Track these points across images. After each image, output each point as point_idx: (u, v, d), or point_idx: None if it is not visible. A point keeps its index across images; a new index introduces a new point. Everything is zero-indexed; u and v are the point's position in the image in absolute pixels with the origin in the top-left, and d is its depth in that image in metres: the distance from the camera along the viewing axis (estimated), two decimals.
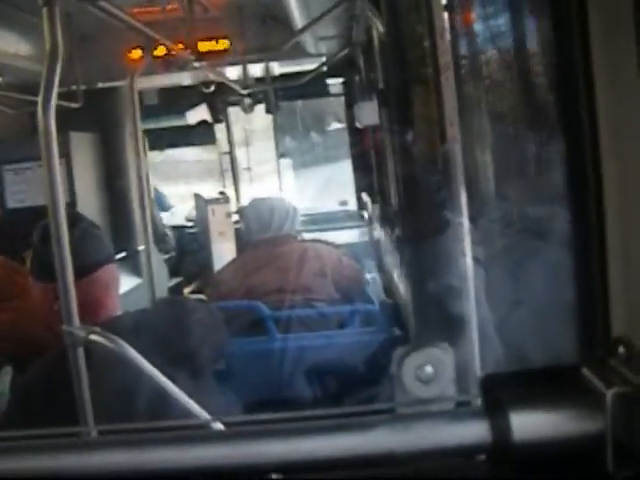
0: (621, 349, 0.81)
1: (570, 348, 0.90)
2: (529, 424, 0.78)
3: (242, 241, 5.38)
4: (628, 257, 0.79)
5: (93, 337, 1.91)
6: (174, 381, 1.95)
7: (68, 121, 5.22)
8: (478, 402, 0.81)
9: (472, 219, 1.60)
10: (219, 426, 1.13)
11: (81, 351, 1.92)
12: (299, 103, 10.96)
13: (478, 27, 1.96)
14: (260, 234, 4.35)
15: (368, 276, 4.76)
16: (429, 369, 0.79)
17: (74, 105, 5.12)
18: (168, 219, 8.25)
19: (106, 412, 1.95)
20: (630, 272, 0.79)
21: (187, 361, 2.24)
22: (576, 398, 0.80)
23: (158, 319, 2.36)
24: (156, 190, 7.98)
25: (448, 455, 0.79)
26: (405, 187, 2.99)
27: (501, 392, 0.80)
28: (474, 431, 0.78)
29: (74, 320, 1.91)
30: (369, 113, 4.38)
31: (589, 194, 0.83)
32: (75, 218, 2.29)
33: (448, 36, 1.78)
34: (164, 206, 8.38)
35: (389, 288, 4.50)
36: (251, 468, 0.80)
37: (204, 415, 1.92)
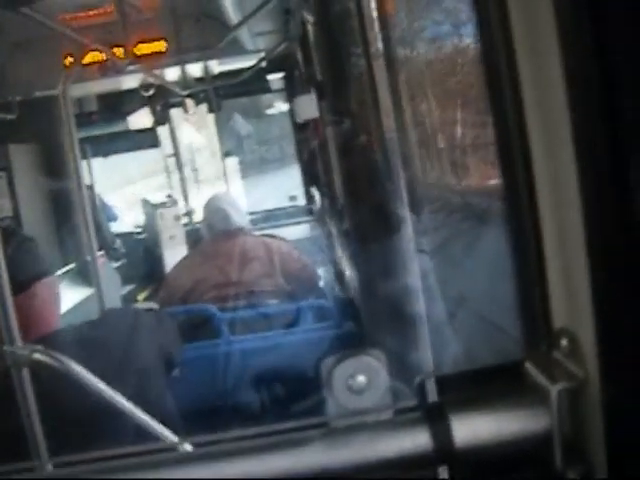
0: (564, 341, 0.77)
1: (513, 343, 0.86)
2: (472, 427, 0.75)
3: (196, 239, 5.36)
4: (565, 246, 0.75)
5: (37, 356, 1.85)
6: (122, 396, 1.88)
7: (7, 133, 5.14)
8: (417, 408, 0.77)
9: (412, 210, 1.56)
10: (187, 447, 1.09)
11: (26, 372, 1.85)
12: (242, 100, 10.92)
13: (404, 15, 1.93)
14: (220, 228, 4.35)
15: (319, 270, 4.74)
16: (361, 378, 0.75)
17: (10, 117, 5.02)
18: (117, 226, 8.17)
19: (58, 439, 1.85)
20: (568, 261, 0.75)
21: (134, 374, 2.17)
22: (520, 396, 0.76)
23: (101, 331, 2.29)
24: (101, 200, 7.87)
25: (388, 468, 0.74)
26: (346, 180, 2.96)
27: (440, 395, 0.77)
28: (415, 440, 0.74)
29: (16, 339, 1.85)
30: (307, 107, 4.34)
31: (520, 185, 0.80)
32: (8, 233, 2.22)
33: (377, 25, 1.74)
34: (111, 216, 8.28)
35: (341, 283, 4.48)
36: None
37: (164, 434, 1.86)
